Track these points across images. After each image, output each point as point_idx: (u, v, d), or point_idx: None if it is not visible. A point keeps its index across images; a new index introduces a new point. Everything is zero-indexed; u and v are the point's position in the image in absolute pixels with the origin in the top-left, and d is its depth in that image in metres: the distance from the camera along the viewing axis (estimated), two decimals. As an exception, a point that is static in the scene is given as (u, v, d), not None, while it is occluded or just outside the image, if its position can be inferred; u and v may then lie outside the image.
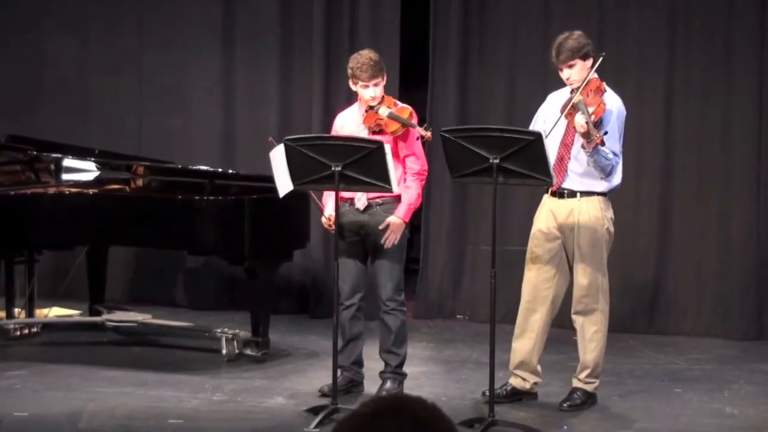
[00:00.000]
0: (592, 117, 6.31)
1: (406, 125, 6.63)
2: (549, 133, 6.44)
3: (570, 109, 6.42)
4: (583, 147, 6.45)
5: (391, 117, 6.62)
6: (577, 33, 6.64)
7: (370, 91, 6.70)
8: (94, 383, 7.06)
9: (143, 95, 9.65)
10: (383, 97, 6.72)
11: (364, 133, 6.67)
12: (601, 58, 6.53)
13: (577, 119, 6.35)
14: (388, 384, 6.84)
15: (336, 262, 6.56)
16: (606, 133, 6.39)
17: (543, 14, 9.01)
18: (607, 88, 6.57)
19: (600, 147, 6.37)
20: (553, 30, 8.35)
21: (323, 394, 6.77)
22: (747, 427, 6.51)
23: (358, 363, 6.98)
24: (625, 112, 6.69)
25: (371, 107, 6.70)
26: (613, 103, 6.60)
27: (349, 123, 6.86)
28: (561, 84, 6.70)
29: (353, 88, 6.80)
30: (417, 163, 6.74)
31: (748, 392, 7.21)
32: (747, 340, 8.64)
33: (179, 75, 9.59)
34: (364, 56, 6.72)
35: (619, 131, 6.61)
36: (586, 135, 6.33)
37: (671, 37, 8.82)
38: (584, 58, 6.55)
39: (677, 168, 8.88)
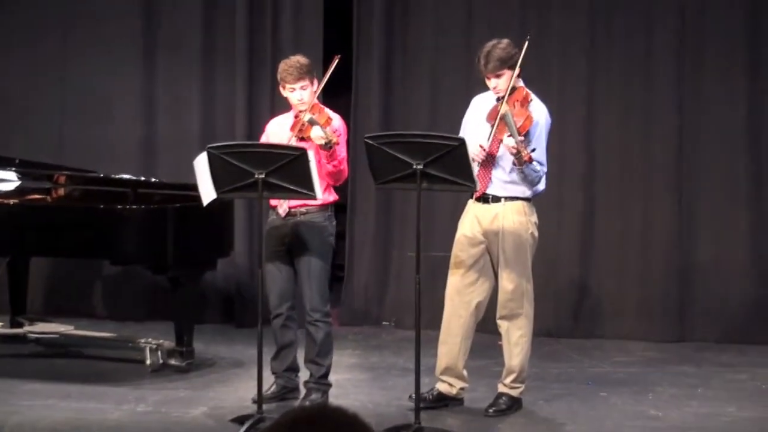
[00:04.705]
0: (520, 134, 6.31)
1: (314, 124, 6.54)
2: (488, 142, 6.44)
3: (498, 121, 6.42)
4: (514, 164, 6.46)
5: (311, 122, 6.59)
6: (505, 41, 6.63)
7: (296, 95, 6.68)
8: (16, 396, 6.96)
9: (65, 103, 9.53)
10: (313, 105, 6.69)
11: (292, 141, 6.64)
12: (527, 41, 6.51)
13: (507, 141, 6.36)
14: (313, 395, 6.83)
15: (261, 270, 6.53)
16: (534, 150, 6.40)
17: (466, 20, 9.03)
18: (534, 97, 6.59)
19: (528, 163, 6.38)
20: (476, 35, 8.40)
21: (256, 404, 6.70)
22: (670, 429, 6.57)
23: (292, 369, 6.97)
24: (550, 121, 6.72)
25: (299, 113, 6.68)
26: (540, 113, 6.62)
27: (279, 129, 6.82)
28: (485, 88, 6.70)
29: (283, 93, 6.77)
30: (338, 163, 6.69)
31: (671, 394, 7.28)
32: (669, 342, 8.72)
33: (101, 83, 9.46)
34: (291, 60, 6.75)
35: (546, 141, 6.65)
36: (517, 154, 6.34)
37: (592, 42, 8.90)
38: (512, 67, 6.53)
39: (599, 173, 8.95)
